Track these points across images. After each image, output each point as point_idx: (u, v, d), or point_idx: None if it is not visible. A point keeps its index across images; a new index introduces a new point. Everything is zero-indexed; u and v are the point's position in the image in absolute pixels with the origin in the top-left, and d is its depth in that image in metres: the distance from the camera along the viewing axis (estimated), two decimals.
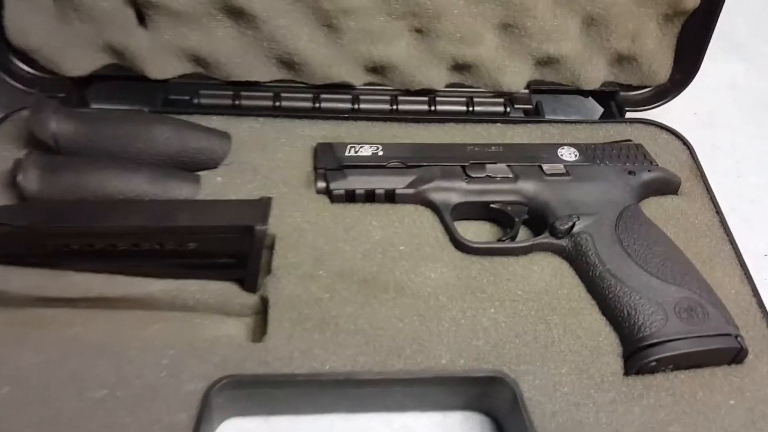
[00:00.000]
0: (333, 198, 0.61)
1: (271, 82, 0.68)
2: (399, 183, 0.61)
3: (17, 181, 0.54)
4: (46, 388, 0.48)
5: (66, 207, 0.53)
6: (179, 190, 0.58)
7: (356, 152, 0.63)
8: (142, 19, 0.64)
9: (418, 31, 0.66)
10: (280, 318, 0.53)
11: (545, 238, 0.59)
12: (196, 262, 0.54)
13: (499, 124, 0.69)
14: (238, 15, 0.63)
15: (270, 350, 0.51)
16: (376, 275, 0.56)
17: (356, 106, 0.69)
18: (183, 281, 0.54)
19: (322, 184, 0.61)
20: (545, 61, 0.70)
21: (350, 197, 0.61)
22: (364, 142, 0.64)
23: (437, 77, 0.69)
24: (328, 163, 0.62)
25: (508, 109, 0.71)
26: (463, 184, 0.61)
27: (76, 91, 0.67)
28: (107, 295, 0.53)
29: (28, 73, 0.66)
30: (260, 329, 0.54)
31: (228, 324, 0.55)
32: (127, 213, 0.52)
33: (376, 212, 0.60)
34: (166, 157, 0.60)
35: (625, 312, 0.53)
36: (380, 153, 0.63)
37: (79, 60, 0.65)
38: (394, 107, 0.70)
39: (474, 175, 0.62)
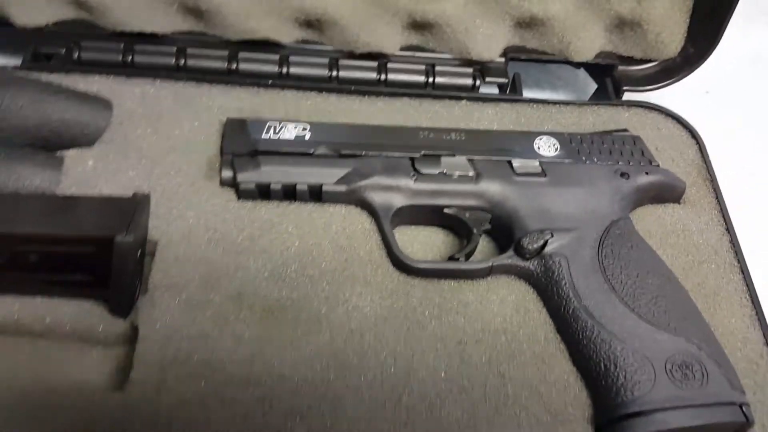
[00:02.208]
0: (240, 193, 0.47)
1: (173, 34, 0.53)
2: (328, 177, 0.47)
3: None
4: None
5: None
6: (32, 178, 0.44)
7: (276, 133, 0.49)
8: None
9: None
10: (148, 358, 0.40)
11: (508, 258, 0.46)
12: (43, 278, 0.41)
13: (464, 101, 0.55)
14: None
15: (129, 405, 0.38)
16: (284, 303, 0.43)
17: (284, 70, 0.54)
18: (28, 300, 0.41)
19: (227, 174, 0.47)
20: (527, 23, 0.55)
21: (263, 193, 0.47)
22: (289, 120, 0.50)
23: (390, 38, 0.54)
24: (239, 146, 0.48)
25: (478, 83, 0.56)
26: (410, 183, 0.48)
27: None
28: None
29: None
30: (122, 368, 0.41)
31: (89, 358, 0.42)
32: None
33: (295, 215, 0.47)
34: (18, 132, 0.45)
35: (602, 365, 0.41)
36: (307, 136, 0.49)
37: None
38: (333, 73, 0.55)
39: (425, 171, 0.48)
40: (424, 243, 0.49)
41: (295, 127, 0.49)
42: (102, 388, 0.40)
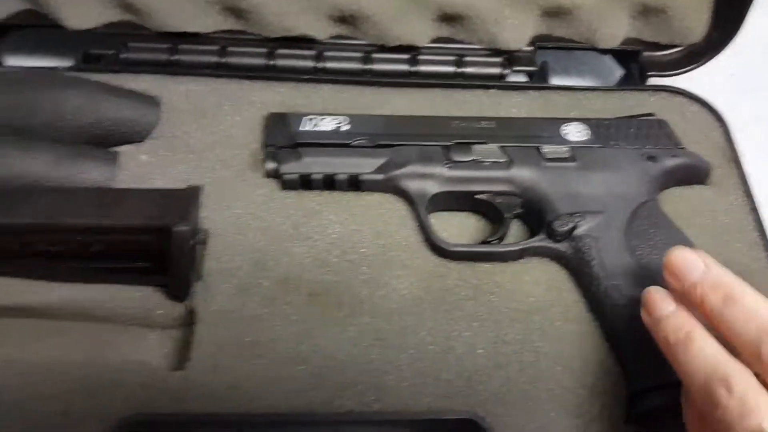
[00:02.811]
0: (284, 184, 0.50)
1: (215, 33, 0.56)
2: (365, 167, 0.50)
3: None
4: None
5: None
6: (90, 172, 0.47)
7: (315, 126, 0.51)
8: None
9: None
10: (206, 339, 0.43)
11: (540, 241, 0.48)
12: (104, 267, 0.44)
13: (493, 90, 0.57)
14: None
15: (191, 382, 0.41)
16: (328, 286, 0.46)
17: (320, 65, 0.57)
18: (93, 286, 0.45)
19: (271, 166, 0.50)
20: (554, 12, 0.57)
21: (305, 183, 0.50)
22: (326, 113, 0.52)
23: (420, 30, 0.56)
24: (280, 139, 0.51)
25: (506, 71, 0.58)
26: (443, 170, 0.50)
27: None
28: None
29: None
30: (181, 350, 0.44)
31: (149, 340, 0.46)
32: (14, 205, 0.42)
33: (336, 203, 0.49)
34: (76, 130, 0.48)
35: (633, 340, 0.43)
36: (345, 127, 0.51)
37: None
38: (367, 66, 0.57)
39: (458, 159, 0.50)
40: (457, 227, 0.51)
41: (334, 120, 0.52)
42: (163, 368, 0.43)
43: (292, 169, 0.49)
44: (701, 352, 0.35)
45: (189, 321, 0.45)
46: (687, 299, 0.38)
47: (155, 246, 0.43)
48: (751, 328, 0.34)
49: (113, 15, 0.55)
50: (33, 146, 0.46)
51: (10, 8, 0.54)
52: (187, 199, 0.44)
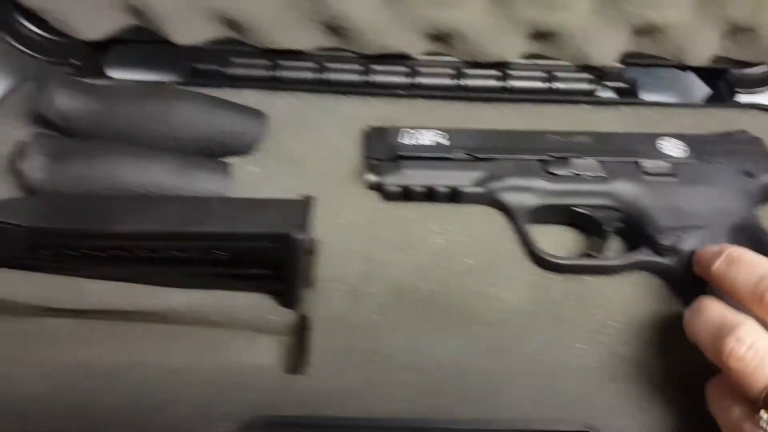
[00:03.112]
0: (385, 195, 0.51)
1: (313, 50, 0.58)
2: (465, 180, 0.51)
3: (20, 169, 0.46)
4: (51, 426, 0.41)
5: (74, 203, 0.45)
6: (207, 183, 0.49)
7: (415, 139, 0.53)
8: None
9: None
10: (322, 345, 0.44)
11: (646, 255, 0.48)
12: (225, 272, 0.46)
13: (584, 105, 0.58)
14: None
15: (311, 387, 0.42)
16: (436, 295, 0.47)
17: (414, 81, 0.58)
18: (210, 293, 0.46)
19: (372, 178, 0.51)
20: (645, 30, 0.58)
21: (406, 195, 0.51)
22: (424, 127, 0.53)
23: (512, 47, 0.58)
24: (381, 152, 0.52)
25: (596, 87, 0.59)
26: (542, 184, 0.51)
27: (93, 59, 0.58)
28: (125, 308, 0.45)
29: (38, 35, 0.57)
30: (297, 354, 0.46)
31: (260, 345, 0.47)
32: (143, 213, 0.44)
33: (437, 215, 0.51)
34: (190, 141, 0.50)
35: None
36: (443, 141, 0.52)
37: (95, 20, 0.56)
38: (459, 82, 0.59)
39: (557, 173, 0.51)
40: (552, 240, 0.51)
41: (432, 133, 0.53)
42: (283, 372, 0.44)
43: (394, 181, 0.51)
44: (710, 313, 0.39)
45: (300, 327, 0.46)
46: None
47: (274, 253, 0.44)
48: (752, 277, 0.39)
49: (218, 31, 0.57)
50: (154, 156, 0.48)
51: (117, 23, 0.57)
52: (303, 208, 0.45)
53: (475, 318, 0.46)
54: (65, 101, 0.49)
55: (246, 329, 0.47)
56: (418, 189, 0.51)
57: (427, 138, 0.53)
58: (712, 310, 0.39)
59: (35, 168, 0.46)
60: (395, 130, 0.53)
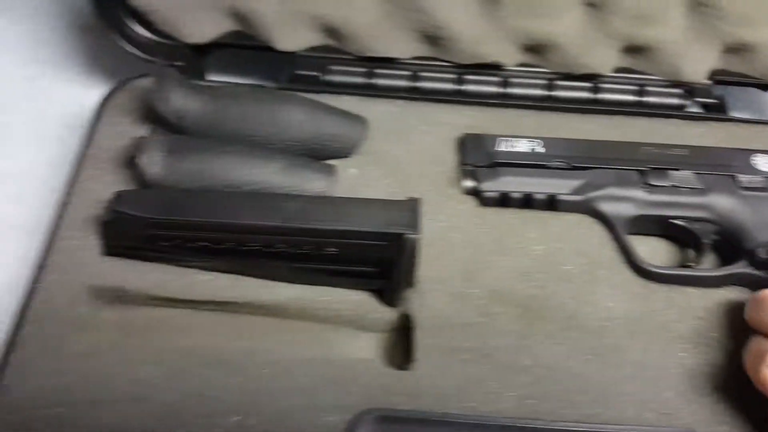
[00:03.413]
0: (482, 201, 0.52)
1: (409, 59, 0.60)
2: (563, 188, 0.52)
3: (138, 163, 0.48)
4: (170, 409, 0.42)
5: (193, 197, 0.47)
6: (313, 183, 0.50)
7: (511, 147, 0.54)
8: None
9: (590, 5, 0.56)
10: (429, 343, 0.45)
11: (744, 268, 0.49)
12: (334, 269, 0.47)
13: (676, 120, 0.59)
14: None
15: (420, 382, 0.43)
16: (538, 299, 0.47)
17: (505, 90, 0.59)
18: (317, 289, 0.48)
19: (469, 183, 0.53)
20: (736, 48, 0.58)
21: (503, 201, 0.52)
22: (520, 136, 0.54)
23: (605, 60, 0.58)
24: (478, 158, 0.53)
25: (686, 102, 0.60)
26: (641, 194, 0.51)
27: (195, 61, 0.60)
28: (234, 300, 0.47)
29: (144, 37, 0.59)
30: (397, 351, 0.47)
31: (360, 341, 0.48)
32: (261, 208, 0.45)
33: (534, 221, 0.51)
34: (297, 143, 0.52)
35: None
36: (539, 149, 0.54)
37: (202, 24, 0.58)
38: (550, 93, 0.60)
39: (655, 183, 0.52)
40: (648, 251, 0.52)
41: (528, 142, 0.54)
42: (386, 368, 0.45)
43: (491, 187, 0.52)
44: None
45: (403, 325, 0.48)
46: None
47: (383, 251, 0.45)
48: None
49: (318, 39, 0.59)
50: (265, 155, 0.50)
51: (221, 28, 0.59)
52: (412, 209, 0.46)
53: (577, 323, 0.46)
54: (181, 100, 0.51)
55: (348, 326, 0.48)
56: (516, 195, 0.52)
57: (523, 146, 0.54)
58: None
59: (153, 163, 0.48)
60: (491, 138, 0.54)
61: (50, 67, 0.70)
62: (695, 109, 0.60)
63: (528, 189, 0.52)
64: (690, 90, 0.60)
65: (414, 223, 0.45)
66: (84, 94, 0.68)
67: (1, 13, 0.73)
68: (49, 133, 0.65)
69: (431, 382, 0.43)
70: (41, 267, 0.46)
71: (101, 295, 0.46)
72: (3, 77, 0.68)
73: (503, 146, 0.54)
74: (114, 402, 0.41)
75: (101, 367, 0.43)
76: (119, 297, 0.47)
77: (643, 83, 0.60)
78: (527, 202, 0.52)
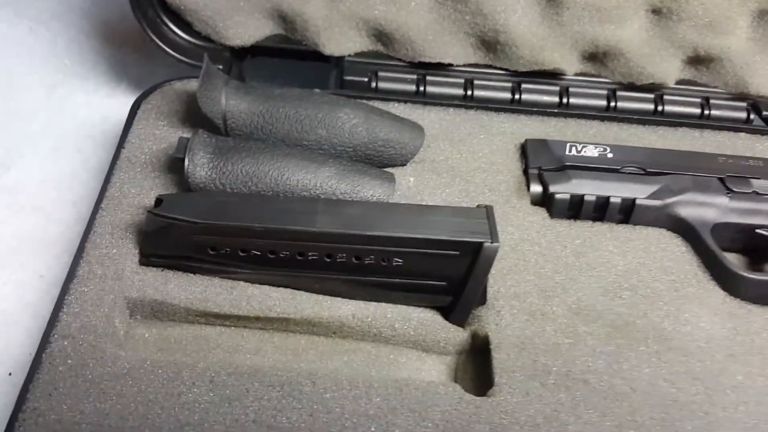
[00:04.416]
0: (553, 206, 0.48)
1: (462, 66, 0.56)
2: (639, 192, 0.48)
3: (185, 167, 0.44)
4: None
5: (243, 201, 0.42)
6: (372, 190, 0.46)
7: (580, 152, 0.50)
8: None
9: (657, 12, 0.53)
10: (509, 366, 0.40)
11: None
12: (397, 283, 0.42)
13: (743, 133, 0.56)
14: None
15: (505, 409, 0.38)
16: (627, 319, 0.43)
17: (564, 101, 0.56)
18: (379, 305, 0.43)
19: (538, 188, 0.49)
20: None
21: (576, 205, 0.48)
22: (587, 142, 0.51)
23: (669, 71, 0.56)
24: (545, 162, 0.50)
25: (752, 117, 0.57)
26: (724, 200, 0.48)
27: (236, 65, 0.56)
28: (288, 316, 0.42)
29: (182, 38, 0.55)
30: (473, 374, 0.42)
31: (429, 363, 0.43)
32: (320, 213, 0.40)
33: (612, 235, 0.47)
34: (350, 149, 0.48)
35: None
36: (609, 155, 0.50)
37: (243, 27, 0.54)
38: (612, 104, 0.57)
39: (738, 190, 0.48)
40: None
41: (596, 148, 0.50)
42: (462, 392, 0.40)
43: (562, 189, 0.48)
44: None
45: (477, 346, 0.43)
46: None
47: (455, 263, 0.41)
48: None
49: (367, 44, 0.56)
50: (320, 160, 0.46)
51: (263, 31, 0.56)
52: (486, 217, 0.42)
53: (674, 345, 0.42)
54: (228, 101, 0.47)
55: (413, 347, 0.43)
56: (590, 199, 0.47)
57: (592, 151, 0.50)
58: None
59: (198, 165, 0.44)
60: (558, 143, 0.51)
61: (71, 76, 0.66)
62: (761, 123, 0.58)
63: (603, 192, 0.48)
64: (754, 104, 0.57)
65: (492, 232, 0.41)
66: (107, 104, 0.65)
67: (20, 20, 0.69)
68: (69, 144, 0.60)
69: (516, 409, 0.38)
70: (71, 277, 0.41)
71: (139, 309, 0.41)
72: (22, 85, 0.64)
73: (572, 151, 0.50)
74: (157, 429, 0.36)
75: (141, 388, 0.37)
76: (159, 311, 0.41)
77: (707, 96, 0.57)
78: (602, 207, 0.48)
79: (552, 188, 0.48)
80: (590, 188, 0.48)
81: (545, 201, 0.48)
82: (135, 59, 0.67)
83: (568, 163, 0.49)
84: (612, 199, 0.47)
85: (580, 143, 0.51)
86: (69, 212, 0.55)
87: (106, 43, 0.68)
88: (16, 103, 0.63)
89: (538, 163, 0.50)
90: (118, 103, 0.64)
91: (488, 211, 0.42)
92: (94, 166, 0.59)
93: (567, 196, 0.48)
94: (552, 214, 0.48)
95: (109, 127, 0.62)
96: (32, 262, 0.52)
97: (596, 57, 0.55)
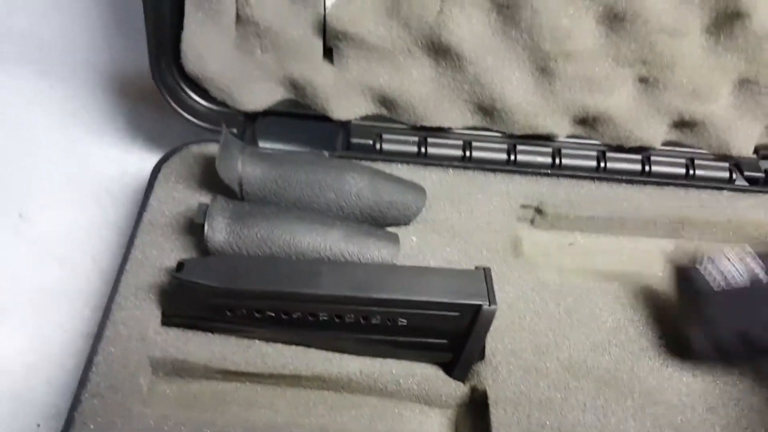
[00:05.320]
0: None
1: (461, 129, 0.60)
2: None
3: (205, 232, 0.47)
4: None
5: (258, 265, 0.45)
6: (378, 251, 0.49)
7: (722, 271, 0.44)
8: (329, 52, 0.57)
9: (644, 80, 0.57)
10: (506, 421, 0.43)
11: None
12: (403, 341, 0.45)
13: (726, 191, 0.59)
14: (441, 54, 0.56)
15: None
16: (614, 374, 0.46)
17: (557, 161, 0.60)
18: (385, 361, 0.46)
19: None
20: None
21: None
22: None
23: (655, 134, 0.59)
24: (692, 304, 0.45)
25: (734, 176, 0.61)
26: None
27: (249, 126, 0.60)
28: (300, 373, 0.45)
29: (199, 104, 0.59)
30: (469, 428, 0.45)
31: (430, 417, 0.46)
32: (329, 277, 0.44)
33: (602, 292, 0.51)
34: (357, 211, 0.52)
35: None
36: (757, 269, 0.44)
37: (257, 93, 0.58)
38: (602, 165, 0.60)
39: None
40: None
41: (737, 255, 0.45)
42: None
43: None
44: None
45: (476, 400, 0.46)
46: None
47: (455, 322, 0.44)
48: None
49: (372, 109, 0.59)
50: (329, 222, 0.49)
51: (275, 97, 0.59)
52: (483, 279, 0.45)
53: (658, 399, 0.45)
54: (244, 168, 0.50)
55: (417, 401, 0.46)
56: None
57: (735, 263, 0.44)
58: None
59: (217, 230, 0.47)
60: (700, 266, 0.44)
61: (90, 131, 0.69)
62: (741, 182, 0.61)
63: None
64: (737, 164, 0.61)
65: (489, 294, 0.44)
66: (124, 158, 0.68)
67: (41, 76, 0.73)
68: (89, 198, 0.64)
69: None
70: (98, 338, 0.44)
71: (162, 367, 0.44)
72: (45, 139, 0.68)
73: (712, 270, 0.44)
74: None
75: None
76: (181, 369, 0.44)
77: (692, 156, 0.61)
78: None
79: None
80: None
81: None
82: (151, 115, 0.70)
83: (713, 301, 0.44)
84: None
85: (720, 255, 0.45)
86: (89, 266, 0.59)
87: (124, 99, 0.72)
88: (39, 157, 0.66)
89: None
90: (135, 158, 0.67)
91: (486, 274, 0.46)
92: (114, 220, 0.62)
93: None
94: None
95: (128, 180, 0.65)
96: (55, 315, 0.55)
97: (586, 121, 0.59)
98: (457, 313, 0.44)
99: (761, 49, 0.55)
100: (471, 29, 0.54)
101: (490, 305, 0.43)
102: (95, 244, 0.60)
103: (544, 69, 0.56)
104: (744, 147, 0.60)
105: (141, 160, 0.67)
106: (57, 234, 0.60)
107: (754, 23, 0.53)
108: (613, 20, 0.53)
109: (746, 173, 0.61)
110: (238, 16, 0.55)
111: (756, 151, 0.61)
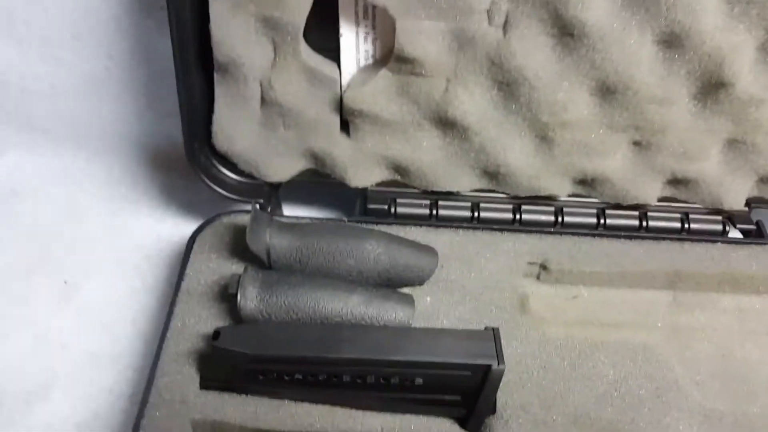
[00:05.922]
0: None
1: (468, 192, 0.65)
2: None
3: (238, 302, 0.52)
4: None
5: (288, 332, 0.50)
6: (395, 313, 0.53)
7: None
8: (345, 127, 0.63)
9: (637, 144, 0.62)
10: None
11: None
12: (420, 398, 0.49)
13: (720, 244, 0.63)
14: (448, 126, 0.61)
15: None
16: (616, 425, 0.50)
17: (560, 219, 0.64)
18: (404, 417, 0.50)
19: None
20: None
21: None
22: None
23: (650, 192, 0.64)
24: None
25: (728, 228, 0.65)
26: None
27: (274, 196, 0.65)
28: (327, 430, 0.49)
29: (228, 177, 0.65)
30: None
31: None
32: (351, 342, 0.48)
33: (602, 346, 0.54)
34: (374, 274, 0.56)
35: None
36: None
37: (281, 166, 0.64)
38: (601, 221, 0.65)
39: None
40: None
41: None
42: None
43: None
44: None
45: None
46: None
47: (468, 381, 0.48)
48: None
49: (386, 176, 0.65)
50: (350, 288, 0.54)
51: (298, 168, 0.65)
52: (492, 339, 0.49)
53: None
54: (272, 239, 0.55)
55: None
56: None
57: None
58: None
59: (248, 299, 0.52)
60: None
61: (127, 201, 0.75)
62: (736, 234, 0.65)
63: None
64: (730, 217, 0.65)
65: (498, 354, 0.48)
66: (159, 227, 0.73)
67: (80, 152, 0.79)
68: (129, 265, 0.69)
69: None
70: (144, 402, 0.49)
71: (201, 428, 0.49)
72: (85, 212, 0.74)
73: None
74: None
75: None
76: (219, 429, 0.49)
77: (686, 211, 0.65)
78: None
79: None
80: None
81: None
82: (182, 184, 0.76)
83: None
84: None
85: None
86: (129, 329, 0.64)
87: (156, 171, 0.78)
88: (81, 229, 0.72)
89: None
90: (168, 225, 0.73)
91: (495, 334, 0.50)
92: (151, 284, 0.67)
93: None
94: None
95: (163, 246, 0.71)
96: (101, 377, 0.60)
97: (586, 182, 0.64)
98: (468, 373, 0.48)
99: (746, 112, 0.59)
100: (474, 104, 0.59)
101: (498, 365, 0.47)
102: (135, 308, 0.65)
103: (543, 137, 0.61)
104: (735, 201, 0.64)
105: (173, 227, 0.73)
106: (102, 301, 0.65)
107: (738, 90, 0.58)
108: (605, 92, 0.58)
109: (739, 225, 0.65)
110: (262, 99, 0.60)
111: (747, 204, 0.65)
